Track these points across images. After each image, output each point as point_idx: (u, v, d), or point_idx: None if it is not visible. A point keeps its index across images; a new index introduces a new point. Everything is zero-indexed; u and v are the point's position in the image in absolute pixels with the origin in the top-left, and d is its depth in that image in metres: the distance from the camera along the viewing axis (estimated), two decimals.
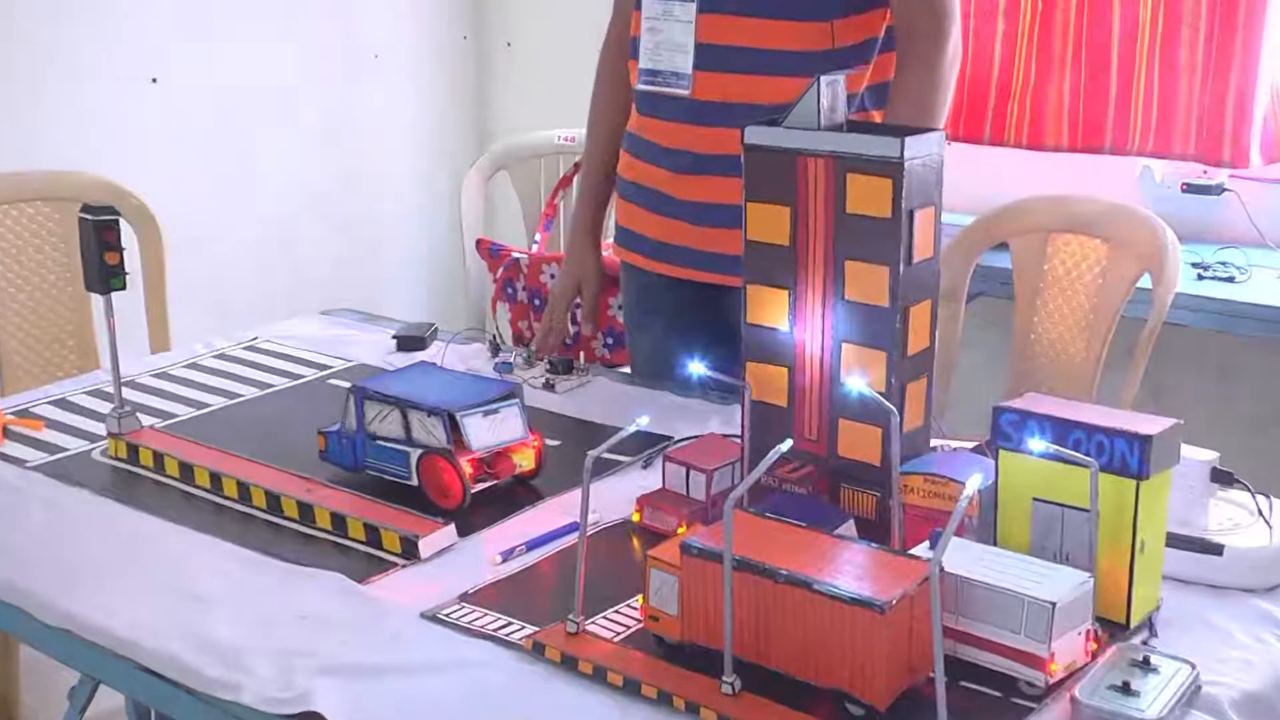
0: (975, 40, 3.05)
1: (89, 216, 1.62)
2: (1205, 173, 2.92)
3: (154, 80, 3.16)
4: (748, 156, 1.38)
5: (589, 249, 2.13)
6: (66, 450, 1.71)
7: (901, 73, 1.89)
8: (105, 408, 1.74)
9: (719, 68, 1.87)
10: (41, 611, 1.35)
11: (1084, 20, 2.99)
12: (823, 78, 1.35)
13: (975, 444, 1.49)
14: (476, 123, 4.01)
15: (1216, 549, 1.33)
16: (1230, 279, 2.68)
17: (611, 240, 2.17)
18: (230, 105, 3.33)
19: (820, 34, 1.85)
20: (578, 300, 2.12)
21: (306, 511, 1.50)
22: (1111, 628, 1.22)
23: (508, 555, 1.42)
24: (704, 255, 1.94)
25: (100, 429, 1.73)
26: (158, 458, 1.63)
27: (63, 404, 1.87)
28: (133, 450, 1.66)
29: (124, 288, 1.65)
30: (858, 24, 1.88)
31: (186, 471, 1.60)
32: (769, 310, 1.40)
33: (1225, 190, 2.92)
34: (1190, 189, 2.94)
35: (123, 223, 1.66)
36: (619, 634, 1.25)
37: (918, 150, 1.30)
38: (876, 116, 1.93)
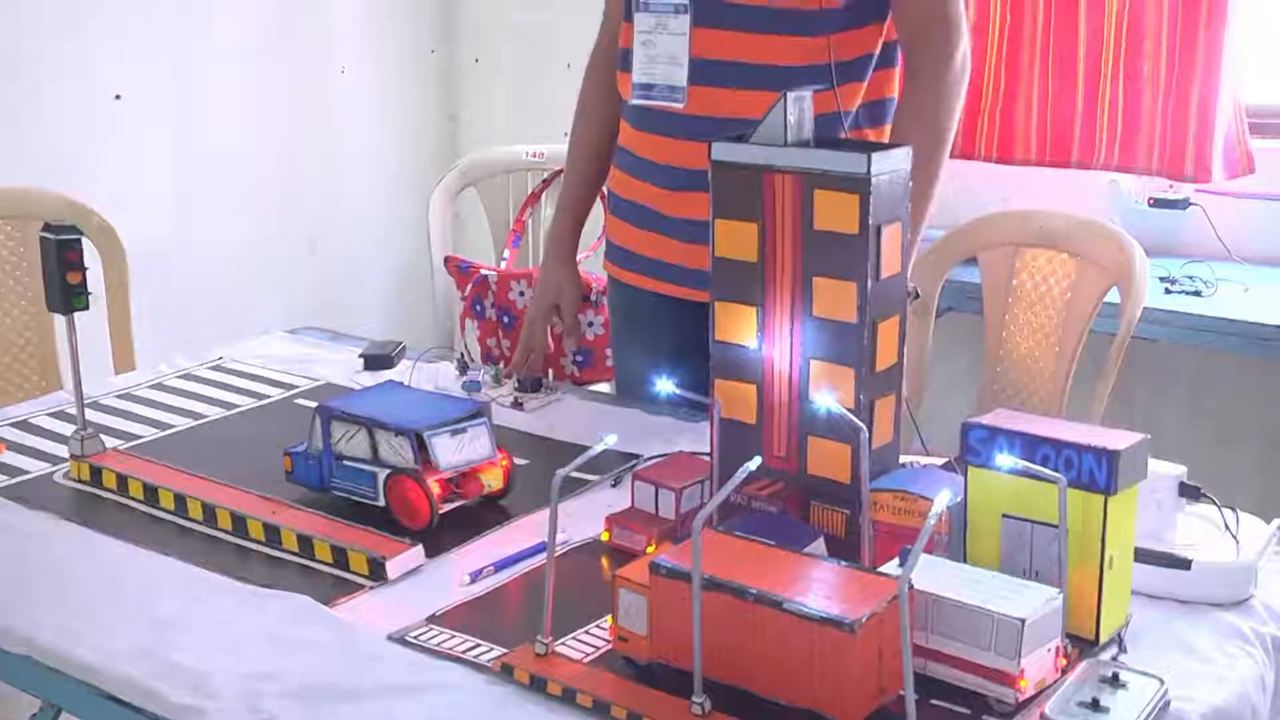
0: None
1: (51, 236, 1.60)
2: (1171, 187, 2.95)
3: (118, 97, 3.14)
4: (715, 173, 1.38)
5: (565, 265, 2.11)
6: (27, 473, 1.69)
7: (910, 87, 1.87)
8: (67, 429, 1.72)
9: (714, 82, 1.86)
10: (1, 637, 1.33)
11: (1051, 36, 3.02)
12: (789, 94, 1.35)
13: (945, 460, 1.49)
14: (444, 138, 4.00)
15: (1184, 563, 1.34)
16: (1197, 293, 2.69)
17: (585, 256, 2.16)
18: (195, 122, 3.31)
19: (816, 49, 1.83)
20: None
21: (273, 533, 1.49)
22: (1081, 643, 1.22)
23: (476, 576, 1.41)
24: (693, 273, 1.92)
25: (62, 451, 1.71)
26: (121, 480, 1.61)
27: (24, 426, 1.85)
28: (95, 472, 1.64)
29: (86, 308, 1.63)
30: (853, 39, 1.86)
31: (150, 494, 1.59)
32: (737, 327, 1.40)
33: (1191, 205, 2.94)
34: (1157, 203, 2.96)
35: (85, 241, 1.64)
36: (588, 655, 1.24)
37: (884, 166, 1.30)
38: (871, 134, 1.91)
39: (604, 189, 2.12)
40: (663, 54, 1.88)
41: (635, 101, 1.94)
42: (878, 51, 1.89)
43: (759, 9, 1.82)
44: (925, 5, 1.84)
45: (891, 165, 1.31)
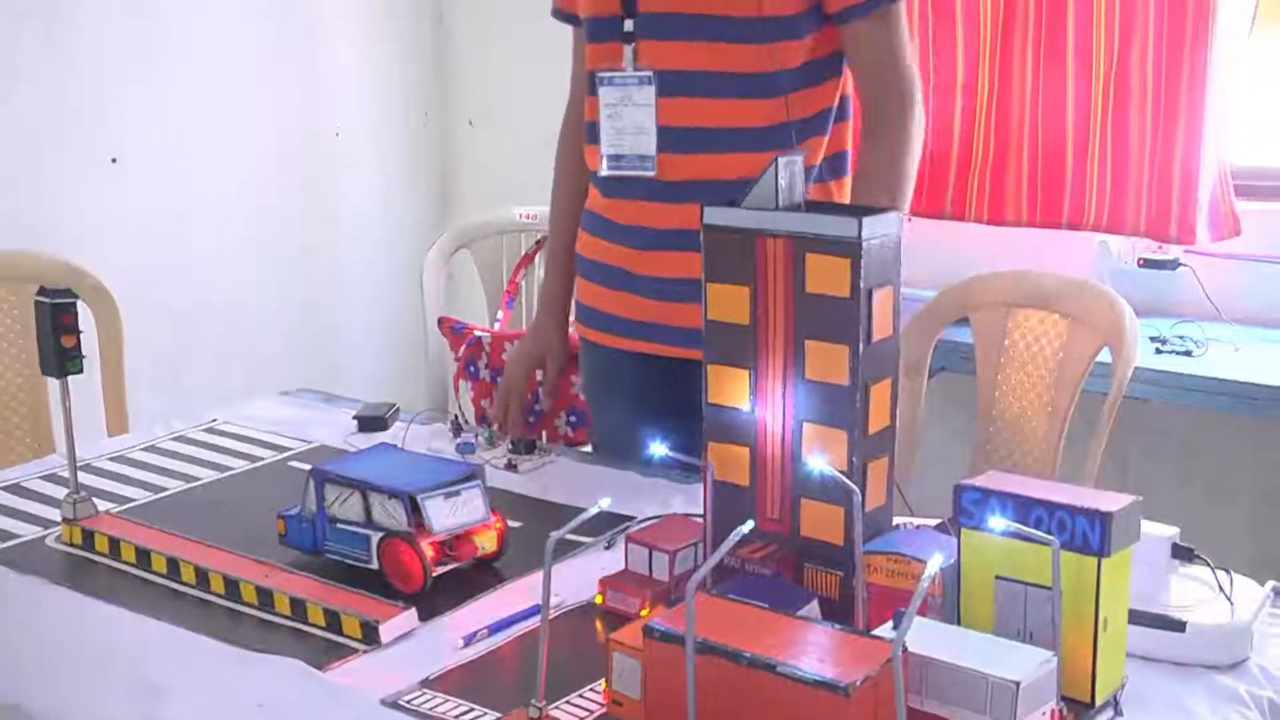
0: (935, 117, 3.09)
1: (46, 299, 1.61)
2: (1160, 248, 2.96)
3: (113, 160, 3.16)
4: (707, 237, 1.39)
5: (554, 323, 2.14)
6: (19, 537, 1.68)
7: (868, 148, 1.92)
8: (60, 493, 1.72)
9: (682, 148, 1.90)
10: None
11: (1040, 98, 3.04)
12: (780, 159, 1.37)
13: (938, 521, 1.49)
14: (438, 200, 4.02)
15: (1179, 625, 1.33)
16: (1188, 353, 2.70)
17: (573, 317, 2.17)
18: (190, 184, 3.33)
19: (775, 109, 1.88)
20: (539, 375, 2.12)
21: (265, 597, 1.48)
22: (1076, 706, 1.21)
23: (470, 639, 1.40)
24: (665, 329, 1.95)
25: (54, 514, 1.70)
26: (113, 543, 1.61)
27: (16, 489, 1.84)
28: (87, 536, 1.63)
29: (81, 371, 1.63)
30: (811, 96, 1.91)
31: (143, 557, 1.58)
32: (730, 390, 1.40)
33: (1180, 265, 2.96)
34: (1147, 264, 2.98)
35: (80, 304, 1.65)
36: (582, 719, 1.23)
37: (875, 230, 1.31)
38: (834, 187, 1.96)
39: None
40: (630, 125, 1.91)
41: (606, 172, 1.97)
42: (836, 105, 1.94)
43: (721, 75, 1.87)
44: (874, 54, 1.89)
45: (883, 229, 1.32)
